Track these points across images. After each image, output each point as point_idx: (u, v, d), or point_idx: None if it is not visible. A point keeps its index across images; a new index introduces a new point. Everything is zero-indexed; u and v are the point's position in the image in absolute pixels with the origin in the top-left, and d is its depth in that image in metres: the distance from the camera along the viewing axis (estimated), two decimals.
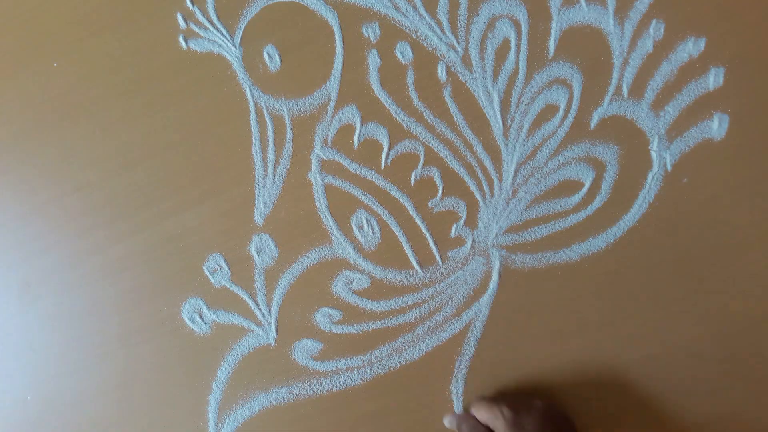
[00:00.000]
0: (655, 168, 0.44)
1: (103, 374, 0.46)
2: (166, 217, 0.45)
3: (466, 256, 0.45)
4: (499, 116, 0.44)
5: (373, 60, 0.44)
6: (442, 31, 0.44)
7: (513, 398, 0.42)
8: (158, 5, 0.45)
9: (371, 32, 0.44)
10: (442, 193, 0.45)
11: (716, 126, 0.43)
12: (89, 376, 0.46)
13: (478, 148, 0.44)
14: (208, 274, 0.45)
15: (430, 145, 0.44)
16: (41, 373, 0.47)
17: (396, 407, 0.45)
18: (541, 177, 0.44)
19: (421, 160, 0.45)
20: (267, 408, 0.45)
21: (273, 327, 0.45)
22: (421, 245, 0.45)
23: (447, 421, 0.44)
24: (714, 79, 0.43)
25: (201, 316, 0.45)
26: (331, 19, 0.44)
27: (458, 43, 0.44)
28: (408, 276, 0.45)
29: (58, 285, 0.46)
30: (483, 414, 0.42)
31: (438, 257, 0.45)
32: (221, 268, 0.45)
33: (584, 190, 0.44)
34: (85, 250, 0.46)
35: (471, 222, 0.45)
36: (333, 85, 0.45)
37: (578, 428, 0.43)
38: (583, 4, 0.43)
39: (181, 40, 0.45)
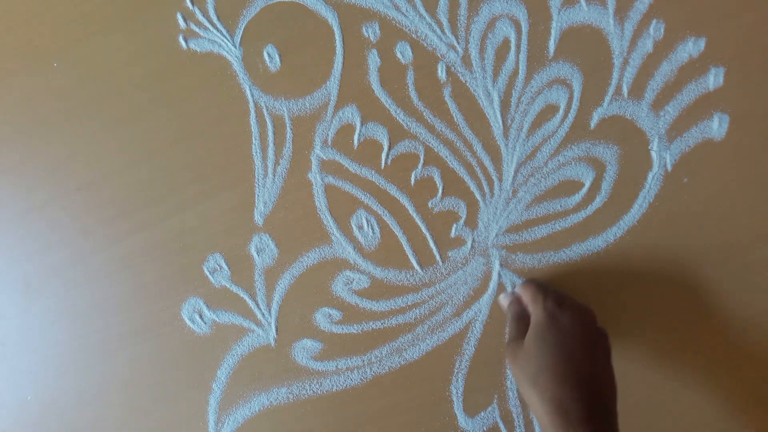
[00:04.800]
0: (655, 168, 0.44)
1: (103, 374, 0.46)
2: (166, 216, 0.45)
3: (466, 256, 0.45)
4: (499, 116, 0.44)
5: (373, 60, 0.44)
6: (442, 31, 0.44)
7: (561, 293, 0.41)
8: (158, 5, 0.45)
9: (371, 32, 0.44)
10: (442, 193, 0.45)
11: (716, 126, 0.43)
12: (89, 375, 0.46)
13: (478, 148, 0.44)
14: (208, 274, 0.45)
15: (430, 145, 0.44)
16: (42, 372, 0.47)
17: (396, 407, 0.45)
18: (541, 177, 0.44)
19: (421, 160, 0.45)
20: (267, 408, 0.45)
21: (273, 327, 0.45)
22: (421, 245, 0.45)
23: (502, 298, 0.44)
24: (714, 79, 0.43)
25: (201, 316, 0.45)
26: (331, 19, 0.44)
27: (458, 43, 0.44)
28: (408, 276, 0.45)
29: (58, 284, 0.46)
30: (527, 295, 0.41)
31: (438, 257, 0.45)
32: (221, 268, 0.45)
33: (584, 190, 0.44)
34: (86, 249, 0.46)
35: (471, 222, 0.45)
36: (333, 85, 0.45)
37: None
38: (583, 4, 0.43)
39: (181, 40, 0.45)
